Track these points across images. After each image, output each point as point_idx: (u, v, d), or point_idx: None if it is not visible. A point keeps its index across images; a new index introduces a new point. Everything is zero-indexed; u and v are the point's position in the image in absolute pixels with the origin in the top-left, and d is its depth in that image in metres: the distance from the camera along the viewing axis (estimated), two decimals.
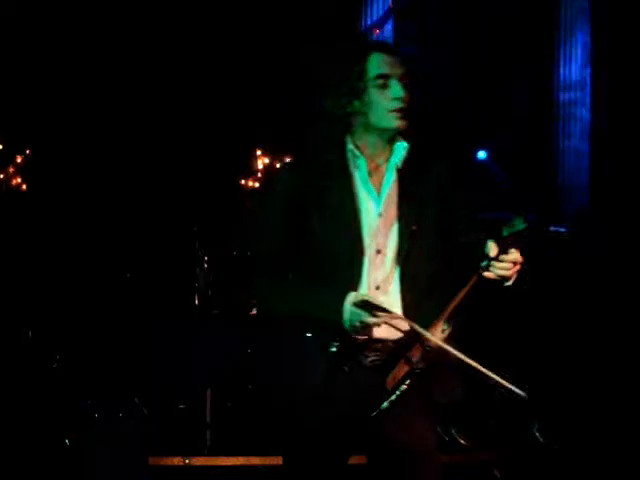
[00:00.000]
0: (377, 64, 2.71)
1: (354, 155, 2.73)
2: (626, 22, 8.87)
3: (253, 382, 6.29)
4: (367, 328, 2.57)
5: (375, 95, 2.70)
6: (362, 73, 2.70)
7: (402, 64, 2.74)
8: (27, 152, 9.01)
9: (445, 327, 2.59)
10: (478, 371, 2.53)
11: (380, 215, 2.71)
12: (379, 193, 2.73)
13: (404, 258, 2.69)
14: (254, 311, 7.03)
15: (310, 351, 2.68)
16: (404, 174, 2.74)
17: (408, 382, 2.58)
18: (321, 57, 2.81)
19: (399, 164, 2.75)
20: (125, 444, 5.37)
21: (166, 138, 8.78)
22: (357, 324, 2.55)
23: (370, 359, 2.67)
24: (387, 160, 2.76)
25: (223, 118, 8.90)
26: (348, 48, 2.83)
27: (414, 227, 2.69)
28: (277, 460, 5.45)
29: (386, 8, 8.72)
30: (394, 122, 2.71)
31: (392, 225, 2.71)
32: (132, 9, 8.87)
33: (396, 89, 2.70)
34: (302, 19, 8.95)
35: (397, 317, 2.55)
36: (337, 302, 2.58)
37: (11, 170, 8.99)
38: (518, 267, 2.60)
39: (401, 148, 2.75)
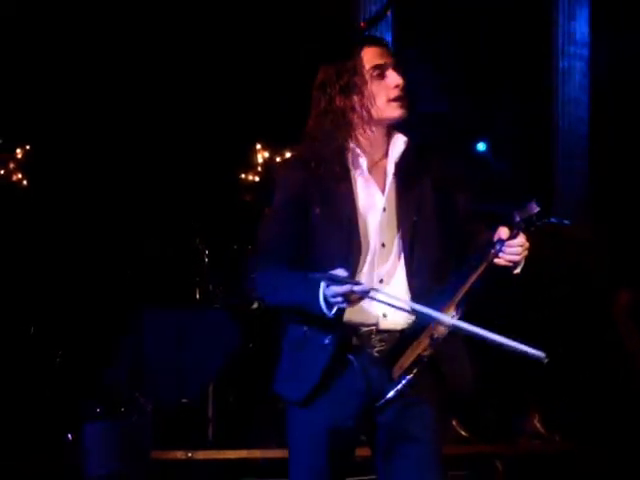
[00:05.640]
0: (371, 56, 2.73)
1: (355, 153, 2.73)
2: (625, 13, 8.85)
3: (254, 376, 6.30)
4: (341, 301, 2.50)
5: (374, 87, 2.71)
6: (357, 67, 2.71)
7: (392, 53, 2.77)
8: (27, 147, 9.02)
9: (454, 313, 2.59)
10: (488, 338, 2.51)
11: (384, 210, 2.72)
12: (383, 188, 2.74)
13: (408, 249, 2.70)
14: (255, 305, 7.04)
15: (310, 345, 2.69)
16: (403, 166, 2.75)
17: (415, 371, 2.58)
18: (316, 56, 2.81)
19: (398, 157, 2.75)
20: (128, 438, 5.39)
21: (166, 132, 8.78)
22: (331, 299, 2.51)
23: (377, 349, 2.68)
24: (386, 154, 2.77)
25: (222, 112, 8.90)
26: (340, 45, 2.83)
27: (415, 218, 2.70)
28: (278, 453, 5.53)
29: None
30: (396, 112, 2.73)
31: (395, 218, 2.72)
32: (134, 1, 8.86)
33: (393, 77, 2.72)
34: (302, 15, 8.93)
35: (360, 285, 2.49)
36: (314, 286, 2.54)
37: (11, 165, 9.00)
38: (526, 252, 2.61)
39: (401, 142, 2.76)
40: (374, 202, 2.73)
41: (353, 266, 2.65)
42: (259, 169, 9.43)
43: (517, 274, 2.65)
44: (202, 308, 6.57)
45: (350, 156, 2.74)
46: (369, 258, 2.69)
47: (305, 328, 2.70)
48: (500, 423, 6.15)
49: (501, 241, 2.58)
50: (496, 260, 2.60)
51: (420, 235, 2.71)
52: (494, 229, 2.62)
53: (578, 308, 6.70)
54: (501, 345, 2.50)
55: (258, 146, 9.47)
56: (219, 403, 6.07)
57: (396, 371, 2.59)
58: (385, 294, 2.58)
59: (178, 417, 5.97)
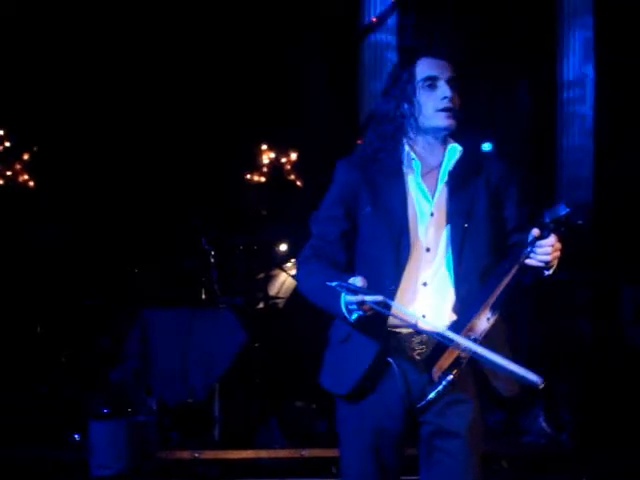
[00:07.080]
0: (425, 67, 2.82)
1: (409, 157, 2.81)
2: (629, 17, 8.83)
3: (260, 376, 6.31)
4: (357, 309, 2.56)
5: (423, 97, 2.80)
6: (411, 77, 2.81)
7: (450, 68, 2.83)
8: (34, 149, 9.04)
9: (490, 316, 2.64)
10: (489, 358, 2.56)
11: (432, 215, 2.78)
12: (433, 194, 2.80)
13: (456, 255, 2.75)
14: (261, 305, 7.05)
15: (356, 341, 2.74)
16: (455, 174, 2.81)
17: (455, 372, 2.63)
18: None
19: (452, 166, 2.81)
20: (134, 438, 5.40)
21: (172, 133, 8.79)
22: (349, 306, 2.58)
23: (417, 352, 2.73)
24: (441, 162, 2.83)
25: (228, 113, 8.90)
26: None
27: (466, 225, 2.76)
28: (284, 453, 5.55)
29: (389, 3, 8.67)
30: (443, 122, 2.79)
31: (443, 224, 2.78)
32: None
33: (443, 89, 2.79)
34: (307, 16, 8.93)
35: (372, 296, 2.54)
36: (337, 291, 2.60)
37: (18, 167, 9.03)
38: (558, 253, 2.64)
39: (456, 151, 2.81)
40: (423, 206, 2.79)
41: (399, 267, 2.72)
42: (265, 170, 9.44)
43: (549, 276, 2.68)
44: (208, 308, 6.57)
45: (405, 160, 2.82)
46: (414, 261, 2.74)
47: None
48: (506, 422, 6.15)
49: (533, 242, 2.62)
50: (527, 261, 2.63)
51: (470, 241, 2.76)
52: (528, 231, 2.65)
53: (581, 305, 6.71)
54: (502, 368, 2.55)
55: (264, 147, 9.48)
56: (225, 403, 6.07)
57: (436, 372, 2.64)
58: (398, 307, 2.62)
59: (184, 417, 5.99)
